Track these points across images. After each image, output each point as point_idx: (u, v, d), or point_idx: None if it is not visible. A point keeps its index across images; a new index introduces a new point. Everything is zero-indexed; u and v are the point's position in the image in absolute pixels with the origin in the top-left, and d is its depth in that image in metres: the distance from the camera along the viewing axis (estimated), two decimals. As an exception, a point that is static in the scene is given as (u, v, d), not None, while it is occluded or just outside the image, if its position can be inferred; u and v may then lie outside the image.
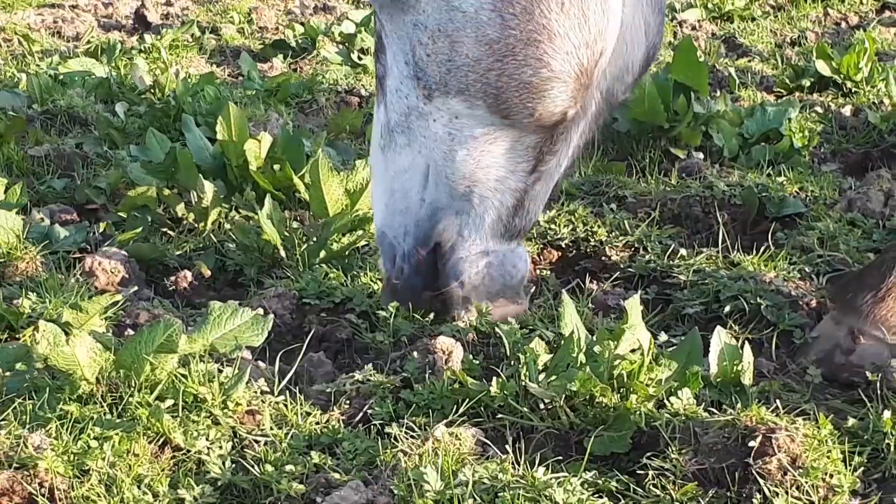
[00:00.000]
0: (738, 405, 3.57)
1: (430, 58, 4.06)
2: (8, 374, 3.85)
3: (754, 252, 5.19)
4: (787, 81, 8.86)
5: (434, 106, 4.13)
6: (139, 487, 3.30)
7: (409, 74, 4.14)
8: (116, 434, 3.44)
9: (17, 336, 4.32)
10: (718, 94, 7.76)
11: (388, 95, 4.25)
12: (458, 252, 4.33)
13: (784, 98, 8.36)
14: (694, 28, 11.46)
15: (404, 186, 4.31)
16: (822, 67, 8.60)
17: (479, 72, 4.02)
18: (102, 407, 3.62)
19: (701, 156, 6.64)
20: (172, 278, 5.17)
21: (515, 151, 4.22)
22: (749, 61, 9.92)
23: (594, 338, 3.82)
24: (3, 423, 3.53)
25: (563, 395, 3.62)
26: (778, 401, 3.65)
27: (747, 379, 3.84)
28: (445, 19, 4.00)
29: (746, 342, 4.05)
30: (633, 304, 3.87)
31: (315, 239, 5.13)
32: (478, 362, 4.04)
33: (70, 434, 3.46)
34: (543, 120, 4.13)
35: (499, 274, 4.42)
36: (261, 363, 4.17)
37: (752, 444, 3.30)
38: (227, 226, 5.57)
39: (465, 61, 4.02)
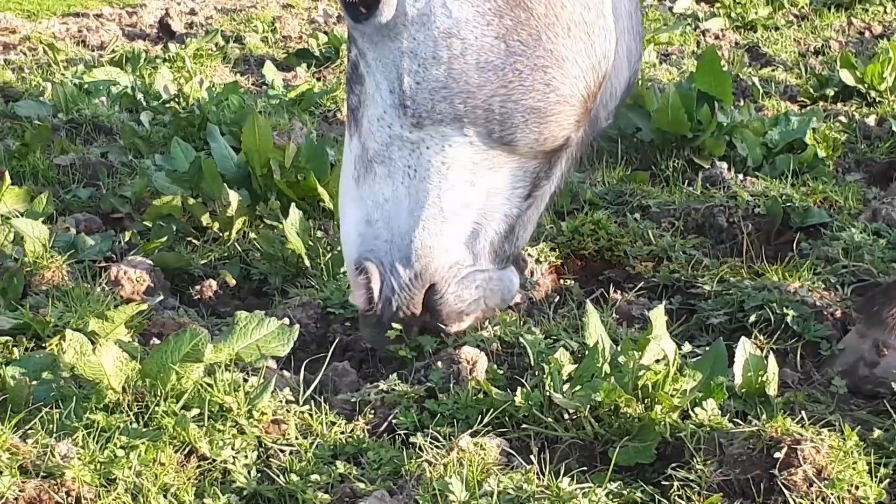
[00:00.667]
0: (763, 416, 3.56)
1: (420, 86, 3.94)
2: (35, 383, 3.87)
3: (779, 262, 5.19)
4: (811, 91, 8.85)
5: (425, 134, 4.01)
6: (165, 496, 3.31)
7: (394, 103, 4.01)
8: (143, 443, 3.45)
9: (43, 345, 4.33)
10: (742, 103, 7.76)
11: (366, 125, 4.11)
12: (452, 281, 4.20)
13: (808, 108, 8.35)
14: (717, 37, 11.46)
15: (385, 217, 4.15)
16: (846, 77, 8.59)
17: (481, 98, 3.93)
18: (129, 416, 3.63)
19: (725, 165, 6.63)
20: (197, 287, 5.19)
21: (514, 177, 4.13)
22: (773, 71, 9.91)
23: (619, 348, 3.82)
24: (30, 431, 3.54)
25: (588, 406, 3.62)
26: (803, 412, 3.64)
27: (772, 390, 3.83)
28: (441, 46, 3.90)
29: (771, 353, 4.04)
30: (658, 315, 3.87)
31: (339, 248, 5.13)
32: (502, 372, 4.05)
33: (97, 443, 3.47)
34: (546, 145, 4.07)
35: (494, 291, 4.31)
36: (286, 372, 4.18)
37: (777, 455, 3.29)
38: (252, 235, 5.59)
39: (463, 88, 3.92)
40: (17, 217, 5.62)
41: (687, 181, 6.47)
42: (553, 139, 4.06)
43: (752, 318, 4.54)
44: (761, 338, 4.43)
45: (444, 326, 4.34)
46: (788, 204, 5.76)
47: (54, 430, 3.56)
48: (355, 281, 4.25)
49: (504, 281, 4.32)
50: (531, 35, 3.91)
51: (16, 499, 3.27)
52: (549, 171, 4.19)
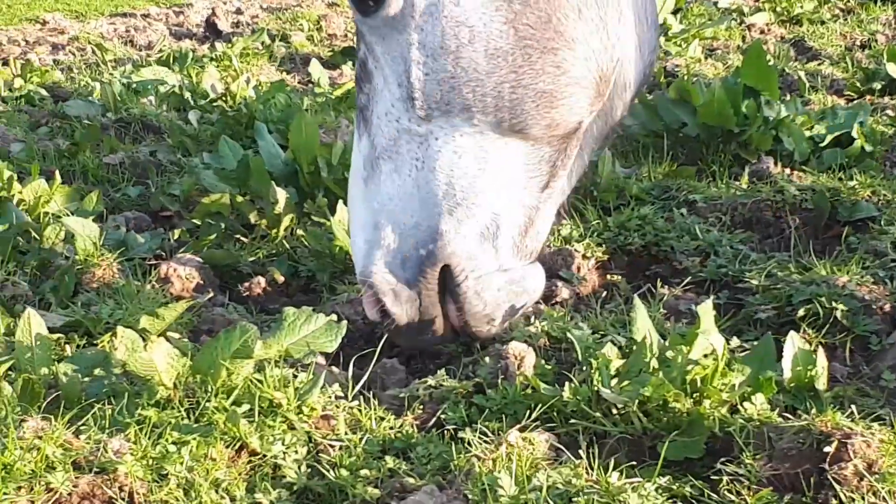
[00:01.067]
0: (813, 410, 3.54)
1: (428, 77, 3.93)
2: (87, 379, 3.91)
3: (827, 257, 5.16)
4: (858, 84, 8.80)
5: (434, 126, 4.00)
6: (217, 491, 3.34)
7: (403, 96, 4.00)
8: (194, 439, 3.48)
9: (95, 342, 4.37)
10: (788, 97, 7.72)
11: (374, 122, 4.10)
12: (472, 273, 4.15)
13: (855, 101, 8.30)
14: (763, 31, 11.42)
15: (392, 215, 4.12)
16: (893, 70, 8.55)
17: (490, 85, 3.91)
18: (180, 412, 3.66)
19: (771, 160, 6.60)
20: (246, 284, 5.22)
21: (528, 166, 4.10)
22: (819, 65, 9.86)
23: (666, 343, 3.82)
24: (83, 427, 3.58)
25: (636, 401, 3.61)
26: (853, 406, 3.60)
27: (821, 384, 3.81)
28: (449, 35, 3.89)
29: (820, 347, 4.02)
30: (706, 309, 3.86)
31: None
32: (550, 367, 4.06)
33: (149, 439, 3.50)
34: (559, 130, 4.04)
35: (520, 290, 4.27)
36: (334, 368, 4.20)
37: (827, 449, 3.28)
38: (300, 232, 5.61)
39: (472, 76, 3.90)
40: (68, 216, 5.67)
41: (733, 176, 6.44)
42: (565, 123, 4.04)
43: (801, 313, 4.51)
44: (810, 332, 4.41)
45: (472, 329, 4.28)
46: (836, 198, 5.73)
47: (107, 426, 3.59)
48: (365, 297, 4.24)
49: (529, 280, 4.29)
50: (540, 18, 3.89)
51: (69, 494, 3.30)
52: (565, 158, 4.15)
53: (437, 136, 4.01)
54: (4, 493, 3.19)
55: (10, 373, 3.91)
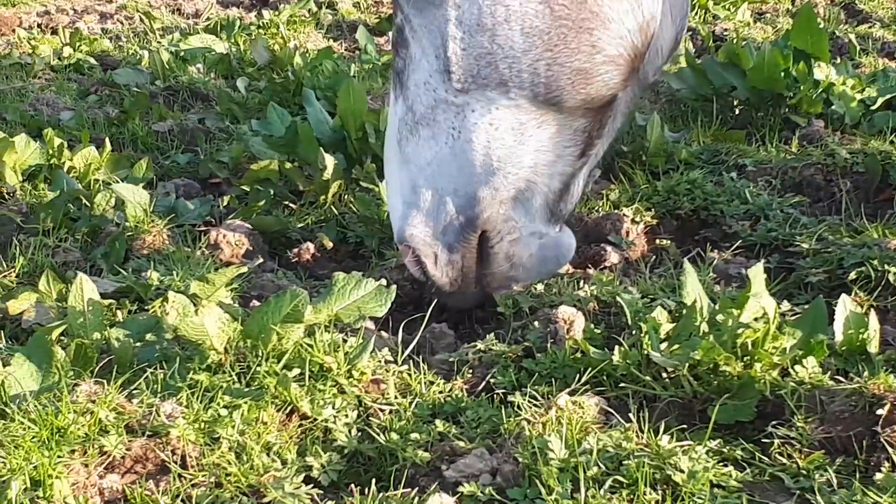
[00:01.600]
0: (865, 373, 3.52)
1: (465, 52, 3.98)
2: (139, 344, 3.93)
3: (878, 220, 5.12)
4: (910, 47, 8.71)
5: (471, 98, 4.05)
6: (268, 455, 3.35)
7: (440, 69, 4.06)
8: (245, 403, 3.50)
9: (146, 308, 4.39)
10: (839, 61, 7.65)
11: (412, 88, 4.15)
12: (507, 236, 4.27)
13: (906, 64, 8.21)
14: (813, -6, 11.29)
15: (430, 181, 4.21)
16: (946, 32, 8.44)
17: (526, 63, 3.95)
18: (231, 376, 3.67)
19: (821, 123, 6.55)
20: (295, 250, 5.24)
21: (563, 136, 4.15)
22: (869, 28, 9.77)
23: (717, 306, 3.80)
24: (135, 392, 3.60)
25: (686, 364, 3.60)
26: (905, 369, 3.60)
27: (873, 347, 3.77)
28: (486, 13, 3.93)
29: (872, 310, 3.99)
30: (757, 272, 3.84)
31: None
32: (599, 332, 4.05)
33: (200, 402, 3.52)
34: (594, 103, 4.10)
35: (553, 256, 4.41)
36: (384, 333, 4.21)
37: (879, 412, 3.26)
38: (348, 198, 5.62)
39: (509, 53, 3.94)
40: (118, 183, 5.71)
41: (783, 139, 6.41)
42: (600, 98, 4.10)
43: (852, 276, 4.47)
44: (861, 295, 4.38)
45: (490, 286, 4.43)
46: (887, 161, 5.67)
47: (159, 391, 3.61)
48: (406, 257, 4.35)
49: (562, 247, 4.42)
50: None
51: (122, 457, 3.33)
52: (601, 129, 4.23)
53: (473, 109, 4.07)
54: (59, 456, 3.23)
55: (62, 338, 3.93)
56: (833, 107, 6.70)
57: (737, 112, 6.95)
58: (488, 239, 4.27)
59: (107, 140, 6.64)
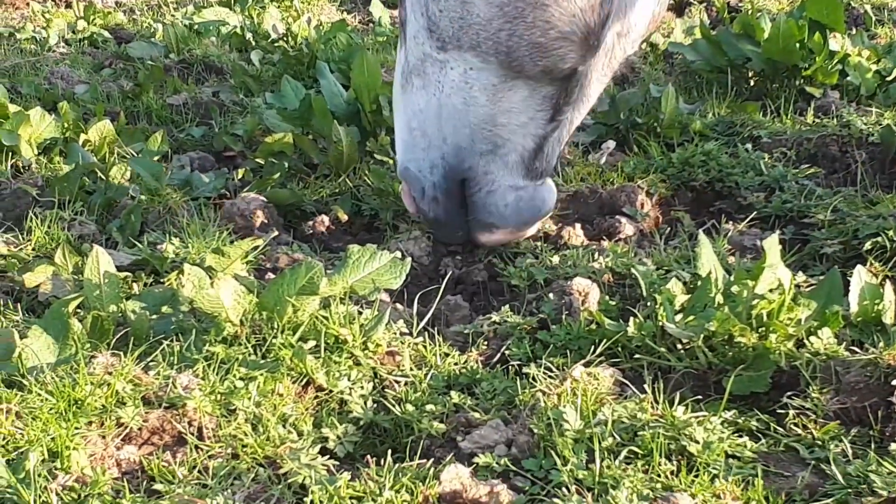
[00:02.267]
0: (880, 344, 3.52)
1: (442, 13, 4.22)
2: (155, 316, 3.94)
3: (893, 191, 5.11)
4: (926, 18, 8.67)
5: (449, 56, 4.29)
6: (284, 426, 3.36)
7: (424, 26, 4.30)
8: (261, 374, 3.52)
9: (162, 280, 4.41)
10: (854, 31, 7.62)
11: (409, 40, 4.41)
12: (486, 186, 4.52)
13: (923, 34, 8.18)
14: (829, -35, 11.22)
15: (422, 125, 4.46)
16: (963, 2, 8.40)
17: (491, 31, 4.17)
18: (247, 348, 3.69)
19: (837, 94, 6.53)
20: (310, 223, 5.24)
21: (533, 100, 4.37)
22: (886, -2, 9.71)
23: (732, 278, 3.80)
24: (151, 364, 3.61)
25: (701, 335, 3.61)
26: (921, 339, 3.59)
27: (889, 318, 3.77)
28: None
29: (887, 280, 3.99)
30: (772, 243, 3.83)
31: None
32: (614, 303, 4.05)
33: (216, 374, 3.54)
34: (555, 74, 4.29)
35: (528, 206, 4.58)
36: (399, 305, 4.22)
37: (894, 382, 3.26)
38: (363, 170, 5.62)
39: (476, 20, 4.16)
40: (134, 156, 5.71)
41: (798, 111, 6.39)
42: (558, 70, 4.28)
43: (867, 246, 4.47)
44: (877, 265, 4.37)
45: (475, 233, 4.68)
46: (903, 132, 5.66)
47: (175, 363, 3.63)
48: (402, 188, 4.73)
49: (537, 199, 4.60)
50: None
51: (139, 428, 3.35)
52: (567, 97, 4.40)
53: (451, 66, 4.31)
54: (76, 428, 3.24)
55: (79, 310, 3.95)
56: (848, 78, 6.68)
57: (752, 83, 6.93)
58: (468, 187, 4.54)
59: (121, 113, 6.65)
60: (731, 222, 4.97)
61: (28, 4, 11.72)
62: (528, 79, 4.29)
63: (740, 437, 3.25)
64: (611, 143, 5.94)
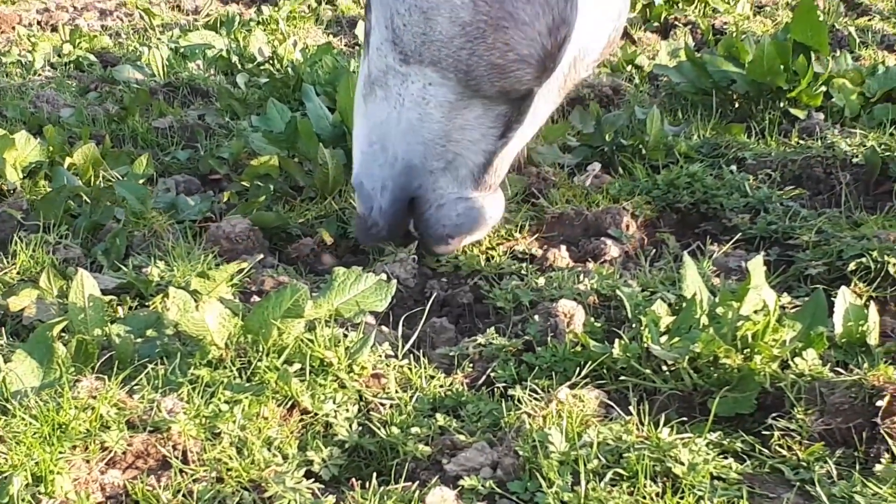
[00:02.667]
0: (865, 365, 3.53)
1: (405, 28, 4.31)
2: (140, 340, 3.93)
3: (878, 213, 5.12)
4: (909, 39, 8.71)
5: (411, 69, 4.38)
6: (269, 449, 3.36)
7: (388, 38, 4.39)
8: (246, 397, 3.51)
9: (147, 304, 4.40)
10: (839, 53, 7.65)
11: (372, 51, 4.50)
12: (436, 202, 4.65)
13: (906, 56, 8.21)
14: (813, -13, 11.28)
15: (381, 138, 4.57)
16: (946, 24, 8.44)
17: (452, 49, 4.25)
18: (232, 371, 3.68)
19: (821, 116, 6.55)
20: (295, 245, 5.23)
21: (486, 118, 4.47)
22: (869, 20, 9.77)
23: (716, 299, 3.81)
24: (136, 387, 3.60)
25: (686, 357, 3.61)
26: (905, 360, 3.61)
27: (873, 339, 3.78)
28: None
29: (871, 301, 3.99)
30: (757, 265, 3.84)
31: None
32: (599, 325, 4.06)
33: (201, 398, 3.53)
34: (511, 95, 4.38)
35: (476, 216, 4.70)
36: (384, 328, 4.22)
37: (879, 403, 3.27)
38: (348, 193, 5.62)
39: (438, 37, 4.25)
40: (119, 179, 5.71)
41: (783, 132, 6.41)
42: (515, 91, 4.37)
43: (852, 267, 4.48)
44: (861, 285, 4.38)
45: (431, 247, 4.83)
46: (887, 154, 5.68)
47: (160, 386, 3.62)
48: (356, 199, 4.79)
49: (486, 208, 4.71)
50: None
51: (124, 452, 3.34)
52: (520, 115, 4.50)
53: (412, 80, 4.41)
54: (60, 452, 3.23)
55: (64, 334, 3.94)
56: (833, 99, 6.70)
57: (736, 105, 6.95)
58: (417, 206, 4.69)
59: (107, 137, 6.65)
60: (715, 244, 4.98)
61: (14, 28, 11.72)
62: (484, 98, 4.38)
63: (725, 458, 3.25)
64: (596, 166, 5.95)
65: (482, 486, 3.16)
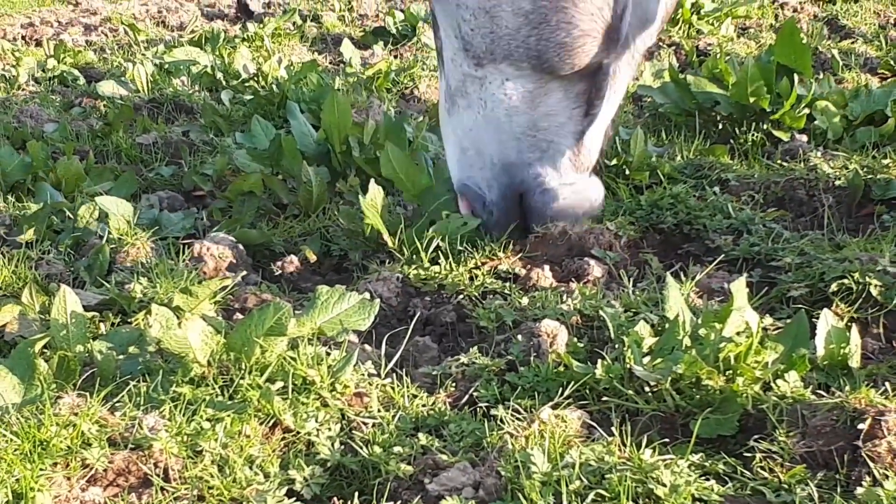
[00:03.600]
0: (847, 388, 3.53)
1: (474, 32, 4.60)
2: (122, 357, 3.92)
3: (860, 235, 5.14)
4: (892, 63, 8.76)
5: (486, 71, 4.67)
6: (251, 468, 3.35)
7: (460, 47, 4.68)
8: (228, 415, 3.49)
9: (129, 320, 4.39)
10: (822, 76, 7.69)
11: (447, 65, 4.80)
12: (538, 189, 4.90)
13: (889, 80, 8.25)
14: (796, 10, 11.36)
15: (474, 143, 4.83)
16: (928, 48, 8.48)
17: (520, 38, 4.54)
18: (214, 389, 3.67)
19: (804, 138, 6.58)
20: (279, 263, 5.23)
21: (568, 99, 4.74)
22: (852, 43, 9.81)
23: (699, 321, 3.81)
24: (118, 404, 3.59)
25: (669, 378, 3.61)
26: (887, 383, 3.60)
27: (855, 361, 3.79)
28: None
29: (853, 322, 4.00)
30: (739, 287, 3.85)
31: (412, 221, 5.16)
32: (582, 345, 4.06)
33: (183, 415, 3.51)
34: (584, 70, 4.65)
35: (583, 198, 5.02)
36: (367, 346, 4.21)
37: (861, 426, 3.26)
38: (332, 211, 5.62)
39: (506, 31, 4.54)
40: (102, 195, 5.70)
41: (766, 154, 6.44)
42: (587, 67, 4.64)
43: (834, 288, 4.48)
44: (843, 306, 4.39)
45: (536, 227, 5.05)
46: (869, 176, 5.70)
47: (142, 403, 3.60)
48: (461, 203, 5.05)
49: (589, 191, 5.03)
50: None
51: (105, 470, 3.32)
52: (599, 91, 4.77)
53: (490, 81, 4.70)
54: (41, 469, 3.22)
55: (45, 350, 3.93)
56: (816, 122, 6.73)
57: (720, 127, 6.98)
58: (524, 196, 4.94)
59: (91, 152, 6.64)
60: (698, 265, 4.98)
61: (-2, 43, 11.71)
62: (561, 80, 4.65)
63: (707, 480, 3.24)
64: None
65: (464, 506, 3.16)
